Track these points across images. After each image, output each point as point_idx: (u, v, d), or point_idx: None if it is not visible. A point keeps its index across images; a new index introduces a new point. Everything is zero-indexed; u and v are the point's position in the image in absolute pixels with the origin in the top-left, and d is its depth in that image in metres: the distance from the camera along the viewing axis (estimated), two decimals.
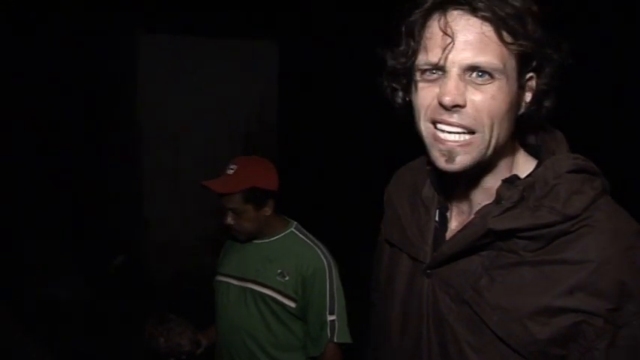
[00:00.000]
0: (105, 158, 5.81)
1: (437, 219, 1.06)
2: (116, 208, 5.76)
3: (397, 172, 1.24)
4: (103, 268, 5.34)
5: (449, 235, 1.04)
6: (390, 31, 0.99)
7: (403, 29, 0.97)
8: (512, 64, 0.91)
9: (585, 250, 0.89)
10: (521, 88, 0.94)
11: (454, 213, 1.06)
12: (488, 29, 0.89)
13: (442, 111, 0.92)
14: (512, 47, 0.90)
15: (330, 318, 1.96)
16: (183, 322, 2.11)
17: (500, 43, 0.90)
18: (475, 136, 0.92)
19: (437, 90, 0.93)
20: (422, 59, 0.94)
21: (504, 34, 0.89)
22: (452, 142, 0.93)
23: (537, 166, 0.98)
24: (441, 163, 0.95)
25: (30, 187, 5.32)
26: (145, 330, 2.08)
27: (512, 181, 0.96)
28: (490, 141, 0.93)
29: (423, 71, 0.95)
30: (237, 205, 1.98)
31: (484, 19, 0.89)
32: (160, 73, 5.31)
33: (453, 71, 0.91)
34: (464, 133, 0.92)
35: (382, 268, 1.18)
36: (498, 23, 0.89)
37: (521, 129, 1.01)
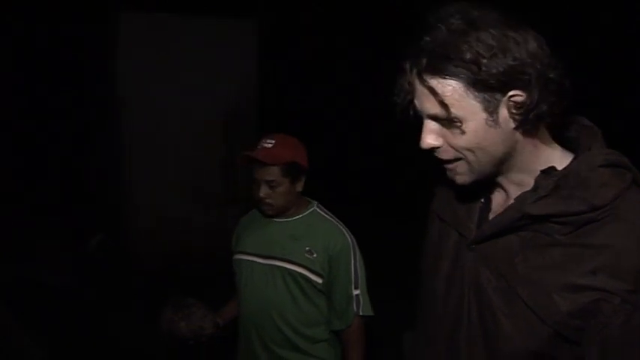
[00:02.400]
0: (88, 140, 5.74)
1: (482, 200, 1.21)
2: (100, 191, 5.72)
3: None
4: (84, 249, 5.31)
5: (491, 215, 1.18)
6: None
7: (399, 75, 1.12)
8: (470, 104, 1.03)
9: (609, 237, 1.02)
10: (494, 111, 1.03)
11: (496, 196, 1.20)
12: (435, 85, 1.03)
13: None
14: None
15: (355, 292, 2.07)
16: (202, 305, 2.12)
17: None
18: (459, 162, 1.10)
19: None
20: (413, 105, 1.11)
21: (455, 88, 1.01)
22: (447, 167, 1.13)
23: (573, 160, 1.11)
24: (452, 180, 1.15)
25: (12, 170, 5.24)
26: (163, 316, 2.08)
27: (549, 172, 1.09)
28: (476, 162, 1.09)
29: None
30: (275, 177, 2.03)
31: (427, 82, 1.03)
32: (141, 51, 5.28)
33: (425, 120, 1.09)
34: (450, 161, 1.11)
35: (431, 240, 1.33)
36: (445, 79, 1.01)
37: (554, 126, 1.13)
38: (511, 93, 1.02)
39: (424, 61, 1.02)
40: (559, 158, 1.12)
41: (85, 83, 5.60)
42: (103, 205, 5.70)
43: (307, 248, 2.06)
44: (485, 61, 0.99)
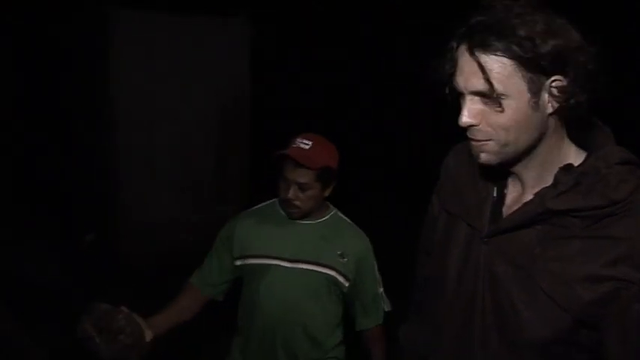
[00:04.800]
0: (79, 138, 5.69)
1: (494, 194, 1.24)
2: (91, 190, 5.67)
3: (456, 148, 1.40)
4: (75, 249, 5.27)
5: (505, 209, 1.22)
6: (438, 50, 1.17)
7: (444, 53, 1.16)
8: (517, 82, 1.06)
9: (628, 229, 1.07)
10: (537, 93, 1.08)
11: (509, 191, 1.24)
12: (485, 61, 1.06)
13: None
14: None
15: (380, 290, 2.12)
16: (133, 326, 1.73)
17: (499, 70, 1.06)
18: (490, 142, 1.12)
19: None
20: (454, 84, 1.14)
21: (504, 65, 1.05)
22: (474, 145, 1.15)
23: (587, 157, 1.15)
24: (475, 158, 1.17)
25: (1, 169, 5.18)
26: (83, 332, 1.68)
27: (567, 168, 1.14)
28: (507, 144, 1.12)
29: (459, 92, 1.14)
30: (308, 180, 1.95)
31: (477, 57, 1.06)
32: (133, 50, 5.23)
33: (467, 96, 1.11)
34: (482, 140, 1.13)
35: (437, 232, 1.36)
36: (497, 56, 1.05)
37: (571, 123, 1.17)
38: (554, 77, 1.06)
39: (477, 37, 1.05)
40: (574, 155, 1.17)
41: (76, 81, 5.55)
42: (93, 203, 5.65)
43: (339, 252, 2.02)
44: (538, 40, 1.03)
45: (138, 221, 5.39)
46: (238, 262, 2.08)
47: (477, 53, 1.06)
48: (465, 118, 1.11)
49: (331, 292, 2.04)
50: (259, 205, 2.20)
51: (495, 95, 1.06)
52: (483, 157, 1.14)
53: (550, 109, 1.09)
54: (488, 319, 1.18)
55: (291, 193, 1.96)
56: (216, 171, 5.75)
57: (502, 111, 1.08)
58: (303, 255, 2.02)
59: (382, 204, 6.61)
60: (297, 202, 1.98)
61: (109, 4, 5.17)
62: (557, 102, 1.08)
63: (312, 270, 2.01)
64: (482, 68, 1.05)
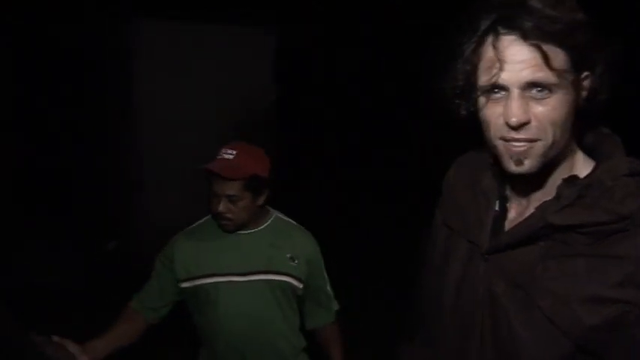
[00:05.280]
0: (98, 144, 5.70)
1: (497, 209, 1.16)
2: (110, 195, 5.67)
3: (458, 161, 1.33)
4: (95, 255, 5.25)
5: (507, 224, 1.14)
6: (443, 51, 1.08)
7: (459, 51, 1.06)
8: (568, 74, 0.99)
9: (636, 247, 0.97)
10: (577, 89, 1.02)
11: (513, 205, 1.16)
12: (544, 49, 0.97)
13: (509, 129, 1.02)
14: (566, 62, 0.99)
15: (329, 289, 2.13)
16: (64, 350, 1.63)
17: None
18: (539, 142, 1.02)
19: (501, 109, 1.03)
20: (483, 80, 1.03)
21: (557, 53, 0.97)
22: (519, 150, 1.03)
23: (595, 168, 1.08)
24: (512, 167, 1.05)
25: (20, 173, 5.17)
26: None
27: (571, 180, 1.06)
28: (553, 145, 1.02)
29: (486, 91, 1.04)
30: (236, 191, 1.89)
31: (535, 45, 0.97)
32: (156, 57, 5.25)
33: (515, 91, 1.00)
34: (530, 141, 1.02)
35: (437, 247, 1.28)
36: (549, 44, 0.97)
37: (580, 131, 1.11)
38: (586, 73, 1.02)
39: (527, 24, 0.97)
40: (582, 165, 1.10)
41: (99, 89, 5.56)
42: (114, 210, 5.65)
43: (289, 255, 1.98)
44: (582, 29, 0.98)
45: (157, 227, 5.35)
46: (185, 285, 1.99)
47: (533, 41, 0.96)
48: (517, 117, 0.99)
49: (288, 298, 2.00)
50: (195, 224, 2.12)
51: (550, 85, 0.98)
52: (527, 163, 1.03)
53: (579, 106, 1.04)
54: (486, 337, 1.12)
55: (222, 207, 1.90)
56: None
57: (553, 105, 0.99)
58: (254, 266, 1.95)
59: (383, 204, 6.62)
60: (230, 215, 1.92)
61: (135, 14, 5.17)
62: (585, 98, 1.03)
63: (265, 279, 1.95)
64: (540, 56, 0.96)
